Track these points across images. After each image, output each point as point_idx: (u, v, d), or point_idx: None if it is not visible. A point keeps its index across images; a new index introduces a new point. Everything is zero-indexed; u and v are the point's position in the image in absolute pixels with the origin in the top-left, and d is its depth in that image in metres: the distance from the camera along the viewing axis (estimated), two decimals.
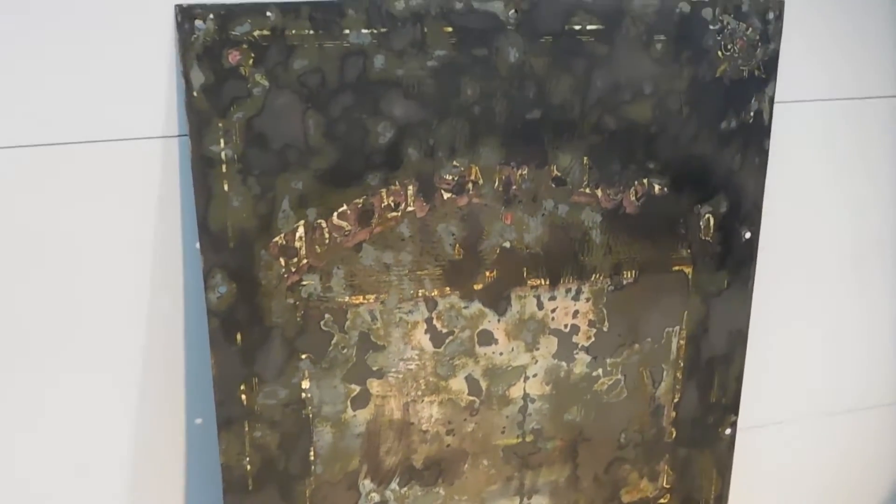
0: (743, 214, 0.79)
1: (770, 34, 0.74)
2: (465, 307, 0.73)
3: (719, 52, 0.73)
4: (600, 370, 0.79)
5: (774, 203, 0.80)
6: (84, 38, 0.60)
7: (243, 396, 0.69)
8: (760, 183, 0.78)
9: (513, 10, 0.66)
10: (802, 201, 0.84)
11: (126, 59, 0.61)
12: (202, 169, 0.62)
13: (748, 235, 0.80)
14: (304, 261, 0.67)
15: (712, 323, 0.81)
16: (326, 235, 0.67)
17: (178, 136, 0.63)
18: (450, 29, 0.65)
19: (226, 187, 0.63)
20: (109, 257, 0.66)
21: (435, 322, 0.72)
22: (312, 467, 0.72)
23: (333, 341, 0.70)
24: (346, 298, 0.69)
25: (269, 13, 0.60)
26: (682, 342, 0.81)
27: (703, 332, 0.81)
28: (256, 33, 0.61)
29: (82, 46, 0.60)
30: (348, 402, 0.72)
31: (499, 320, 0.74)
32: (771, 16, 0.74)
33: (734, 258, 0.80)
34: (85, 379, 0.68)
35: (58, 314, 0.65)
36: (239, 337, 0.67)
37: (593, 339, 0.78)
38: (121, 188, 0.64)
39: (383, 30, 0.63)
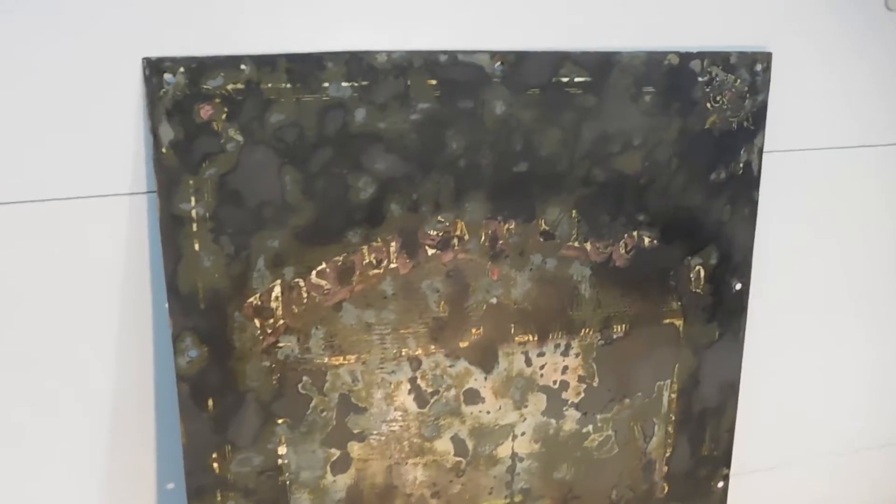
0: (733, 266, 0.77)
1: (758, 85, 0.73)
2: (450, 366, 0.70)
3: (708, 104, 0.71)
4: (590, 426, 0.76)
5: (765, 253, 0.79)
6: (49, 90, 0.56)
7: (215, 465, 0.65)
8: (750, 233, 0.77)
9: (499, 63, 0.64)
10: (792, 251, 0.82)
11: (93, 113, 0.58)
12: (171, 228, 0.59)
13: (738, 287, 0.78)
14: (281, 322, 0.64)
15: (703, 375, 0.79)
16: (304, 295, 0.64)
17: (147, 192, 0.60)
18: (434, 82, 0.63)
19: (196, 247, 0.60)
20: (75, 318, 0.62)
21: (419, 382, 0.69)
22: None
23: (312, 404, 0.66)
24: (326, 359, 0.66)
25: (243, 66, 0.58)
26: (673, 395, 0.79)
27: (694, 385, 0.79)
28: (230, 87, 0.58)
29: (47, 99, 0.56)
30: (328, 467, 0.68)
31: (486, 378, 0.71)
32: (759, 67, 0.72)
33: (725, 310, 0.78)
34: (52, 442, 0.64)
35: (22, 377, 0.61)
36: (211, 403, 0.63)
37: (583, 394, 0.75)
38: (87, 247, 0.60)
39: (364, 83, 0.61)
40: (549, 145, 0.67)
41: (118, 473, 0.67)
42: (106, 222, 0.60)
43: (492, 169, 0.66)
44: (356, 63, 0.60)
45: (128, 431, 0.66)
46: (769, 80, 0.73)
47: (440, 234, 0.66)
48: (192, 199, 0.59)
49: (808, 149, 0.79)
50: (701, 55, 0.70)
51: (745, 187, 0.75)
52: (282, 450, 0.66)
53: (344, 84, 0.60)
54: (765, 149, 0.75)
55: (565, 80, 0.66)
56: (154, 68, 0.56)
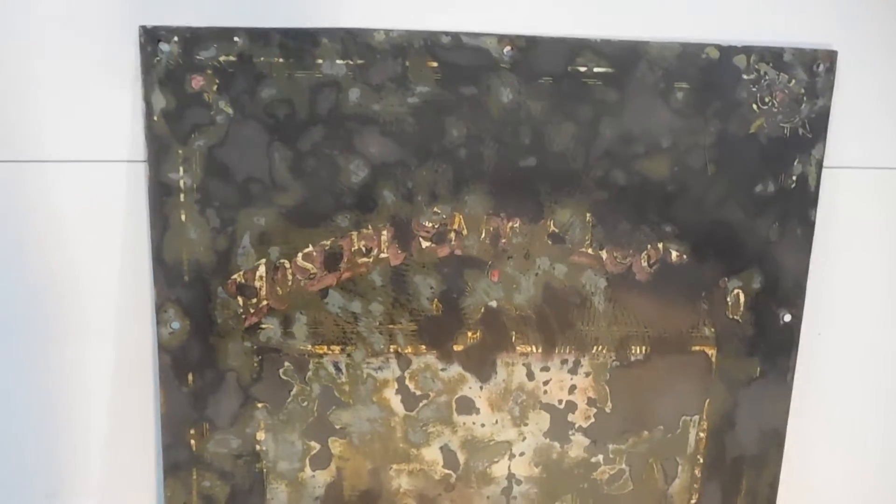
0: (782, 293, 0.68)
1: (818, 88, 0.64)
2: (442, 369, 0.66)
3: (754, 106, 0.63)
4: (601, 456, 0.69)
5: (819, 282, 0.68)
6: (51, 55, 0.58)
7: (192, 441, 0.64)
8: (804, 258, 0.67)
9: (508, 48, 0.60)
10: (853, 281, 0.71)
11: (94, 79, 0.59)
12: (159, 196, 0.59)
13: (788, 318, 0.68)
14: (264, 302, 0.62)
15: (741, 416, 0.70)
16: (289, 277, 0.62)
17: (145, 161, 0.61)
18: (434, 64, 0.60)
19: (183, 217, 0.60)
20: (73, 280, 0.63)
21: (408, 382, 0.65)
22: None
23: (293, 392, 0.64)
24: (309, 347, 0.64)
25: (236, 38, 0.57)
26: (702, 434, 0.70)
27: (728, 426, 0.70)
28: (222, 58, 0.58)
29: (48, 64, 0.58)
30: (307, 461, 0.66)
31: (481, 387, 0.66)
32: (820, 68, 0.64)
33: (769, 343, 0.69)
34: (51, 408, 0.65)
35: (15, 342, 0.63)
36: (191, 377, 0.63)
37: (593, 419, 0.68)
38: (85, 210, 0.62)
39: (360, 61, 0.59)
40: (561, 140, 0.62)
41: (118, 441, 0.67)
42: (104, 188, 0.61)
43: (495, 161, 0.62)
44: (352, 40, 0.58)
45: (128, 400, 0.67)
46: (832, 83, 0.64)
47: (436, 227, 0.63)
48: (181, 168, 0.59)
49: (879, 167, 0.68)
50: (746, 50, 0.62)
51: (799, 204, 0.66)
52: (260, 435, 0.65)
53: (338, 62, 0.59)
54: (825, 163, 0.65)
55: (583, 69, 0.61)
56: (149, 36, 0.57)
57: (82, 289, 0.63)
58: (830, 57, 0.63)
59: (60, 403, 0.66)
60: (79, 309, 0.64)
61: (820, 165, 0.65)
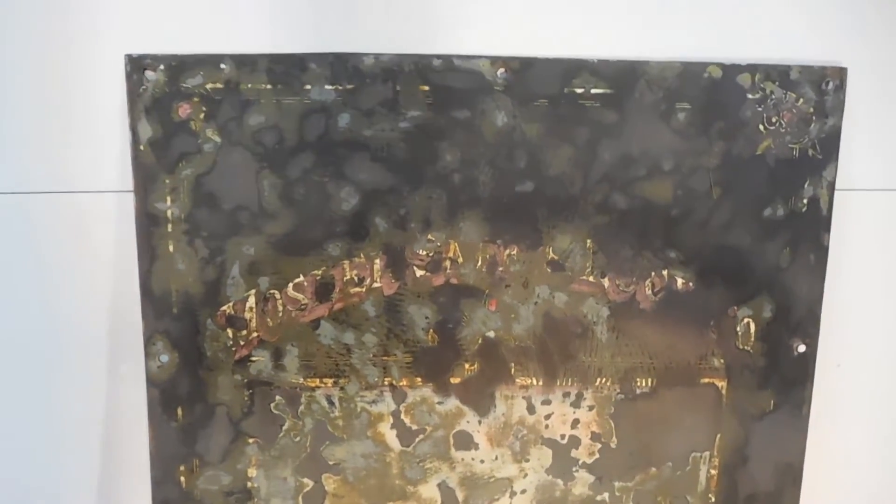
0: (794, 322, 0.65)
1: (828, 107, 0.61)
2: (439, 402, 0.63)
3: (760, 126, 0.61)
4: (606, 494, 0.66)
5: (834, 310, 0.65)
6: (37, 85, 0.58)
7: (182, 478, 0.62)
8: (818, 285, 0.64)
9: (502, 70, 0.58)
10: (869, 309, 0.68)
11: (82, 109, 0.58)
12: (146, 227, 0.58)
13: (802, 349, 0.65)
14: (255, 334, 0.61)
15: (754, 452, 0.67)
16: (280, 308, 0.60)
17: (132, 191, 0.60)
18: (426, 88, 0.58)
19: (171, 248, 0.58)
20: (64, 311, 0.62)
21: (403, 416, 0.63)
22: None
23: (285, 427, 0.62)
24: (301, 380, 0.62)
25: (223, 65, 0.56)
26: (713, 471, 0.67)
27: (741, 463, 0.67)
28: (209, 86, 0.57)
29: (36, 94, 0.58)
30: (300, 498, 0.64)
31: (480, 422, 0.64)
32: (830, 86, 0.61)
33: (783, 375, 0.65)
34: (44, 436, 0.64)
35: (9, 371, 0.62)
36: (180, 412, 0.61)
37: (597, 455, 0.65)
38: (76, 241, 0.61)
39: (349, 86, 0.57)
40: (558, 164, 0.60)
41: (112, 471, 0.65)
42: (92, 218, 0.60)
43: (491, 186, 0.60)
44: (340, 65, 0.57)
45: (120, 434, 0.65)
46: (843, 101, 0.61)
47: (430, 255, 0.61)
48: (168, 198, 0.58)
49: (894, 189, 0.65)
50: (751, 68, 0.60)
51: (811, 228, 0.63)
52: (252, 472, 0.63)
53: (327, 87, 0.57)
54: (838, 185, 0.63)
55: (580, 91, 0.59)
56: (135, 65, 0.56)
57: (72, 321, 0.62)
58: (840, 74, 0.61)
59: (52, 437, 0.64)
60: (68, 342, 0.62)
61: (832, 187, 0.62)
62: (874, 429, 0.70)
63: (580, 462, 0.65)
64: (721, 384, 0.65)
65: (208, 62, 0.56)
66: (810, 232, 0.63)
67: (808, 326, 0.65)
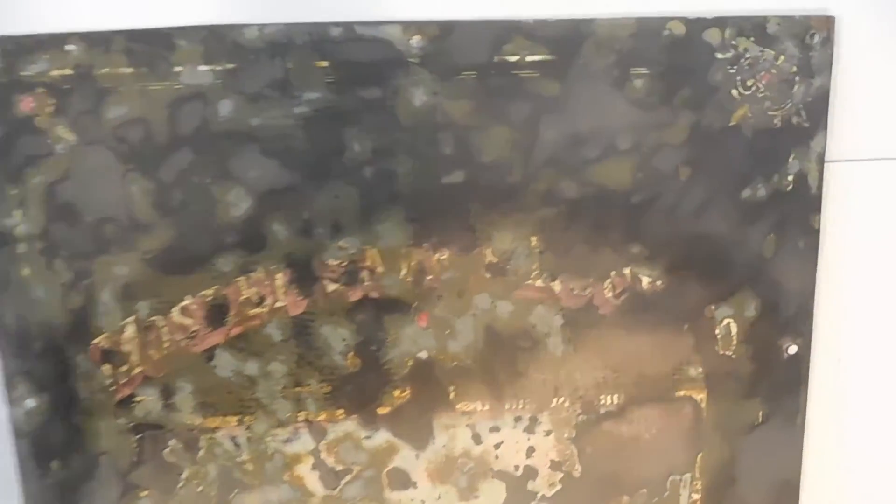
0: (783, 320, 0.55)
1: (814, 65, 0.51)
2: (366, 437, 0.54)
3: (734, 91, 0.51)
4: None
5: (828, 303, 0.56)
6: None
7: None
8: (809, 275, 0.55)
9: (416, 37, 0.48)
10: (869, 300, 0.58)
11: None
12: None
13: (793, 350, 0.56)
14: (137, 369, 0.51)
15: (742, 471, 0.58)
16: (165, 337, 0.50)
17: None
18: (325, 64, 0.48)
19: (25, 272, 0.48)
20: None
21: (324, 456, 0.54)
22: None
23: (184, 476, 0.53)
24: (198, 421, 0.52)
25: (70, 46, 0.46)
26: (695, 496, 0.58)
27: (727, 484, 0.58)
28: (56, 73, 0.46)
29: None
30: None
31: (417, 456, 0.54)
32: (815, 38, 0.51)
33: (772, 381, 0.57)
34: None
35: None
36: (55, 465, 0.51)
37: (559, 486, 0.56)
38: None
39: (229, 66, 0.47)
40: (492, 149, 0.50)
41: None
42: None
43: (412, 179, 0.50)
44: (216, 41, 0.47)
45: None
46: (831, 57, 0.51)
47: (343, 265, 0.51)
48: (16, 213, 0.48)
49: (894, 158, 0.55)
50: (719, 22, 0.50)
51: (799, 209, 0.54)
52: None
53: (202, 68, 0.47)
54: (827, 157, 0.53)
55: (513, 59, 0.49)
56: None
57: None
58: (827, 24, 0.51)
59: None
60: None
61: (821, 160, 0.53)
62: (881, 435, 0.62)
63: (539, 496, 0.56)
64: (700, 396, 0.56)
65: (52, 43, 0.46)
66: (798, 213, 0.54)
67: (800, 324, 0.56)
